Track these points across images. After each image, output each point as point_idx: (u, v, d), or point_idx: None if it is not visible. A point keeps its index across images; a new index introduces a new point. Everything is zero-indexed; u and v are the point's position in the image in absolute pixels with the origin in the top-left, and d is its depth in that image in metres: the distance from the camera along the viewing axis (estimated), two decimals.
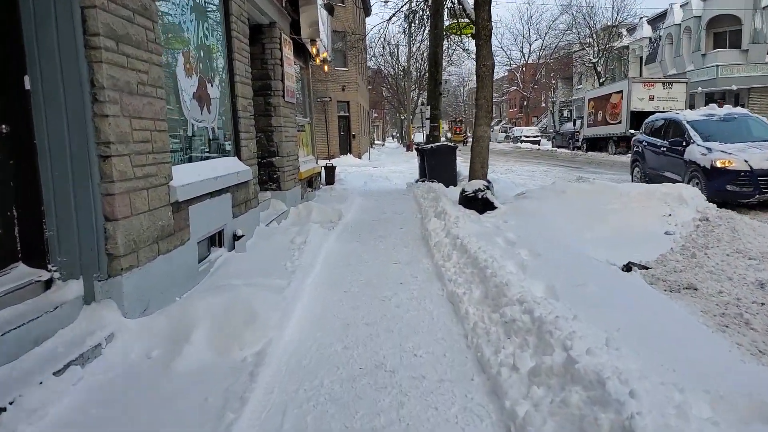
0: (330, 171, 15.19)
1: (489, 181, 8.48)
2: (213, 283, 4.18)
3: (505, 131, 57.54)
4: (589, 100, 29.07)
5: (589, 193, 7.99)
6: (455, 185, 12.53)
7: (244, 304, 3.44)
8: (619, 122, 25.05)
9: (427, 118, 13.94)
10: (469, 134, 78.34)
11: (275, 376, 3.00)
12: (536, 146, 41.74)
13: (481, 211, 7.98)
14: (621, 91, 24.88)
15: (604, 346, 2.66)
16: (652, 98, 23.93)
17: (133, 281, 3.44)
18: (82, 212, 3.28)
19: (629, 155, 24.36)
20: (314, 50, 9.92)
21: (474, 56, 15.80)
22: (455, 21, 12.78)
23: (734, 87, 27.49)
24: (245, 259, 5.16)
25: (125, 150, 3.44)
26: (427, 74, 14.31)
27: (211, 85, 5.43)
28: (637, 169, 11.89)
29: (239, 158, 6.14)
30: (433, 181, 12.29)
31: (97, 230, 3.29)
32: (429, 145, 12.61)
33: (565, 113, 48.92)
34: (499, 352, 3.03)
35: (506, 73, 71.15)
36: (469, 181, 8.53)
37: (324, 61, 11.95)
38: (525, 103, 54.31)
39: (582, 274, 4.51)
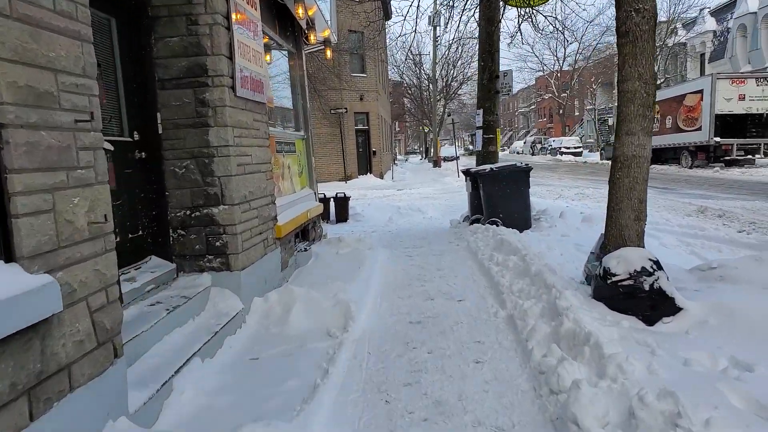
0: (341, 204, 11.00)
1: (643, 247, 4.18)
2: None
3: (540, 143, 52.88)
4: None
5: None
6: (529, 227, 8.24)
7: None
8: (698, 129, 20.41)
9: (478, 127, 9.67)
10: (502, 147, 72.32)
11: None
12: (578, 158, 37.16)
13: (649, 319, 3.70)
14: (700, 91, 20.26)
15: None
16: (742, 98, 19.31)
17: None
18: None
19: (715, 168, 19.62)
20: (299, 12, 5.74)
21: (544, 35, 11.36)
22: None
23: None
24: None
25: None
26: (471, 69, 9.54)
27: None
28: None
29: None
30: (494, 222, 8.03)
31: None
32: (487, 167, 8.33)
33: (610, 121, 44.09)
34: None
35: (534, 82, 66.35)
36: (605, 245, 4.23)
37: (326, 44, 7.81)
38: (561, 112, 49.69)
39: None
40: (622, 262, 3.85)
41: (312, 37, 6.92)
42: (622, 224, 4.12)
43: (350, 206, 11.32)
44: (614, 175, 4.18)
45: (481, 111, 9.60)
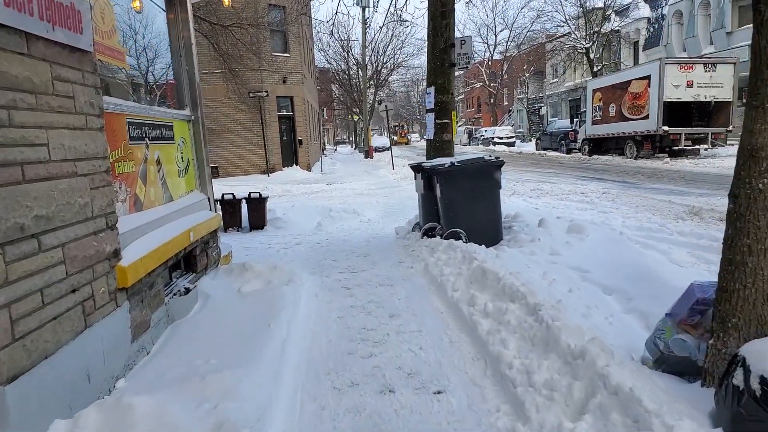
0: (256, 207, 8.67)
1: None
2: None
3: (470, 133, 51.84)
4: (595, 91, 23.37)
5: None
6: (500, 239, 6.33)
7: None
8: (646, 116, 19.38)
9: (428, 109, 7.64)
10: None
11: None
12: (512, 149, 36.18)
13: None
14: (647, 77, 19.20)
15: None
16: (690, 84, 18.39)
17: None
18: None
19: (665, 159, 18.38)
20: None
21: None
22: None
23: None
24: None
25: None
26: (426, 40, 7.20)
27: None
28: None
29: None
30: (457, 235, 6.05)
31: None
32: (445, 162, 6.28)
33: (542, 111, 43.58)
34: None
35: (464, 72, 65.22)
36: (723, 316, 2.24)
37: None
38: (492, 101, 48.81)
39: None
40: None
41: None
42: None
43: (269, 208, 9.00)
44: (753, 186, 2.19)
45: (432, 89, 7.54)
